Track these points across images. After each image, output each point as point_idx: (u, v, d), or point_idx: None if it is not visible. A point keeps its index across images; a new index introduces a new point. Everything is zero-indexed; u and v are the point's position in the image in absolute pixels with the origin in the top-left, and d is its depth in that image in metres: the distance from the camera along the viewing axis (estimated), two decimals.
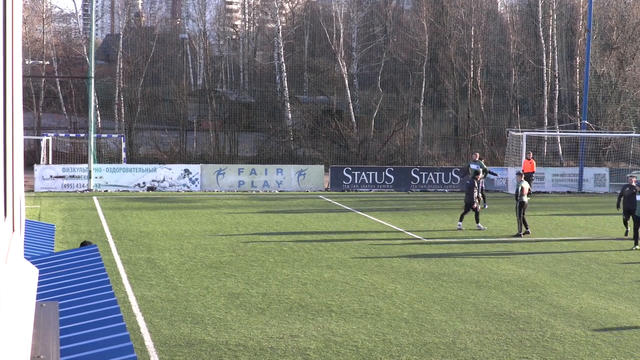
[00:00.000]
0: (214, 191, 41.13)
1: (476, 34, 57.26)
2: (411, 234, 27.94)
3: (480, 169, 32.76)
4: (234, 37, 69.61)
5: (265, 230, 28.04)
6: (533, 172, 39.45)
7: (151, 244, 24.81)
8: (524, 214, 28.01)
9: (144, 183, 40.65)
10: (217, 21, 68.59)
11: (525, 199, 27.94)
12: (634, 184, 26.75)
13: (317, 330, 15.44)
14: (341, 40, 56.66)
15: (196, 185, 41.11)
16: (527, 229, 28.15)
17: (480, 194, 31.67)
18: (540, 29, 57.85)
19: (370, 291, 18.81)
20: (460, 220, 29.49)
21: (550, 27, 57.83)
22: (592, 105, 54.85)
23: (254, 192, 41.23)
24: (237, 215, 31.95)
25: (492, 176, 39.63)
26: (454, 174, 43.94)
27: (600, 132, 49.97)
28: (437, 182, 43.79)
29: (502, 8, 71.75)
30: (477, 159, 35.20)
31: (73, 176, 40.04)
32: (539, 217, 33.26)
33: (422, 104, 57.35)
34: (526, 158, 40.31)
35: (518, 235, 27.86)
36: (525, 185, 28.37)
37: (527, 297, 18.65)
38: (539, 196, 40.95)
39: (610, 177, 45.34)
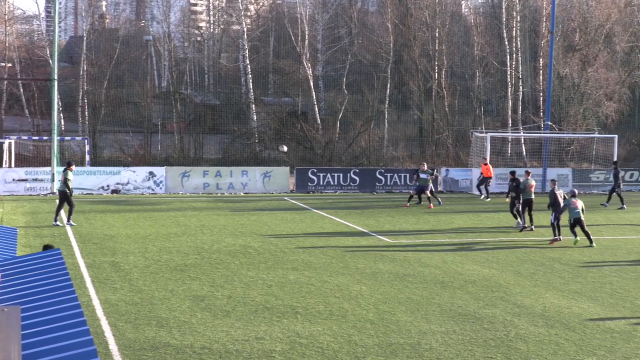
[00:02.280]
0: (178, 194, 40.98)
1: (440, 35, 57.55)
2: (376, 235, 28.02)
3: (429, 177, 37.17)
4: (198, 39, 69.41)
5: (230, 233, 27.98)
6: (490, 177, 40.37)
7: (115, 247, 24.67)
8: (530, 210, 29.84)
9: (108, 186, 40.42)
10: (182, 23, 68.40)
11: (532, 195, 29.93)
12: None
13: (282, 332, 15.44)
14: (306, 42, 56.72)
15: (161, 188, 40.95)
16: (524, 224, 29.97)
17: (430, 195, 36.79)
18: (504, 31, 58.28)
19: (335, 293, 18.85)
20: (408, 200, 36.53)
21: (514, 29, 58.29)
22: (555, 107, 55.32)
23: (219, 195, 41.13)
24: (202, 218, 31.85)
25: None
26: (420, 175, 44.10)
27: (563, 133, 50.42)
28: (402, 183, 43.98)
29: (467, 10, 72.20)
30: (425, 169, 37.67)
31: (36, 179, 39.72)
32: (503, 217, 33.49)
33: (387, 106, 57.53)
34: (483, 163, 40.82)
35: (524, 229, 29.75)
36: (533, 182, 30.43)
37: (491, 297, 18.78)
38: (503, 197, 41.18)
39: (573, 177, 45.77)
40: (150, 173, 41.10)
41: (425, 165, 38.96)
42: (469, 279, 20.77)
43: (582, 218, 26.38)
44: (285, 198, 40.24)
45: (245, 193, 41.83)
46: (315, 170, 43.66)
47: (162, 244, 25.37)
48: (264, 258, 23.13)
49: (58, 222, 28.95)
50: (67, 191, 29.01)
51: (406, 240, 27.13)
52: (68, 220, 29.13)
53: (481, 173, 41.13)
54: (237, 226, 29.69)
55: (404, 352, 14.42)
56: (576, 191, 27.58)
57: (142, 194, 40.41)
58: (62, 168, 30.93)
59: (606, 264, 23.37)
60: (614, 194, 38.34)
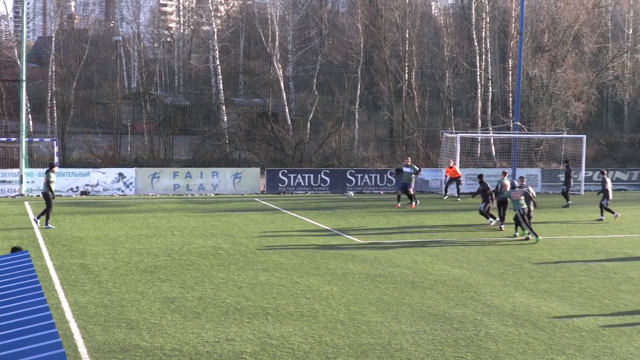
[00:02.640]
0: (148, 195, 40.81)
1: (411, 36, 57.69)
2: (347, 236, 28.06)
3: (413, 173, 37.16)
4: (168, 39, 69.16)
5: (200, 234, 27.91)
6: (459, 177, 40.85)
7: (85, 249, 24.53)
8: (505, 210, 30.48)
9: (77, 187, 40.17)
10: (152, 23, 68.08)
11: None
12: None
13: (253, 334, 15.43)
14: (277, 42, 56.66)
15: (130, 189, 40.76)
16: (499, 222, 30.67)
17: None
18: (474, 32, 58.55)
19: (306, 293, 18.86)
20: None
21: (484, 30, 58.56)
22: (525, 107, 55.64)
23: (189, 196, 41.01)
24: (172, 219, 31.74)
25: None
26: (389, 176, 44.28)
27: (532, 134, 50.72)
28: (373, 183, 44.09)
29: (437, 11, 72.48)
30: (409, 164, 37.83)
31: (4, 181, 39.41)
32: (473, 217, 33.65)
33: (357, 106, 57.59)
34: (448, 166, 41.13)
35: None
36: (507, 182, 30.80)
37: (461, 296, 18.87)
38: (469, 197, 41.38)
39: (542, 177, 46.09)
40: (120, 174, 40.90)
41: (410, 160, 39.16)
42: (439, 279, 20.86)
43: (525, 209, 27.46)
44: (256, 199, 40.21)
45: (216, 194, 41.74)
46: (286, 171, 43.64)
47: (132, 245, 25.26)
48: (234, 259, 23.10)
49: (50, 225, 28.94)
50: (50, 193, 28.96)
51: (377, 241, 27.19)
52: (37, 218, 29.09)
53: (447, 175, 41.43)
54: (207, 227, 29.61)
55: (374, 353, 14.46)
56: (516, 182, 28.90)
57: (112, 195, 40.22)
58: (45, 170, 30.90)
59: (575, 263, 23.55)
60: (567, 191, 39.12)
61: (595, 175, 48.16)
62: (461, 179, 41.35)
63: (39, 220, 29.03)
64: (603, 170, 36.62)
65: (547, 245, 26.87)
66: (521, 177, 29.67)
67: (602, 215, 34.09)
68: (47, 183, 29.05)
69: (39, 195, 38.91)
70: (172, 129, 54.36)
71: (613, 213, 33.79)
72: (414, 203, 37.10)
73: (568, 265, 23.23)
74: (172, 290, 18.88)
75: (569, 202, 38.68)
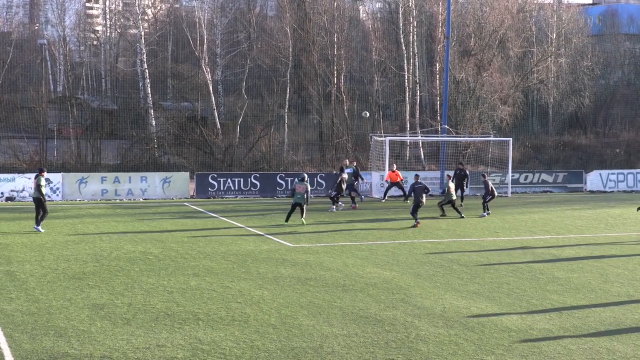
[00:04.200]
0: (76, 200, 40.24)
1: (339, 40, 57.88)
2: (278, 240, 28.02)
3: (353, 172, 38.99)
4: (95, 43, 68.34)
5: (129, 239, 27.61)
6: (401, 180, 41.28)
7: (10, 255, 24.07)
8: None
9: (2, 193, 39.44)
10: (78, 27, 67.20)
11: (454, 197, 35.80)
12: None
13: (184, 339, 15.31)
14: (205, 46, 56.35)
15: (57, 195, 40.15)
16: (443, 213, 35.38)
17: (350, 194, 38.30)
18: (401, 36, 58.99)
19: (237, 298, 18.78)
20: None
21: (411, 34, 59.04)
22: (452, 110, 56.27)
23: (117, 201, 40.56)
24: (100, 225, 31.34)
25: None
26: (319, 179, 44.38)
27: (460, 136, 51.31)
28: None
29: (364, 15, 72.83)
30: (348, 164, 39.71)
31: None
32: (402, 220, 33.93)
33: (286, 110, 57.59)
34: (391, 170, 41.43)
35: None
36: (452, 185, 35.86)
37: (392, 299, 18.98)
38: (402, 200, 41.75)
39: (470, 179, 46.65)
40: (47, 180, 40.21)
41: (348, 161, 40.45)
42: (370, 281, 20.95)
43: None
44: (186, 204, 39.94)
45: (145, 199, 41.36)
46: (215, 175, 43.46)
47: (59, 252, 24.87)
48: (164, 264, 22.90)
49: (40, 228, 28.93)
50: (41, 197, 28.87)
51: (307, 244, 27.21)
52: (37, 225, 29.16)
53: (388, 179, 41.71)
54: (136, 233, 29.31)
55: (306, 356, 14.46)
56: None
57: None
58: (34, 174, 30.58)
59: (503, 265, 23.87)
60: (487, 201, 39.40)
61: (522, 178, 48.97)
62: (402, 182, 41.73)
63: (39, 227, 29.14)
64: (484, 174, 39.02)
65: (476, 247, 27.21)
66: (416, 175, 34.55)
67: (485, 210, 36.53)
68: (38, 187, 28.97)
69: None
70: (99, 134, 53.67)
71: (485, 212, 36.28)
72: (357, 204, 38.50)
73: (496, 267, 23.53)
74: (101, 297, 18.63)
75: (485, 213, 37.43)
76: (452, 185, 35.87)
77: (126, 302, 18.18)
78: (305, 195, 31.94)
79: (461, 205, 40.21)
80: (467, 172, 42.45)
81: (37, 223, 29.10)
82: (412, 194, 33.42)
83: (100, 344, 14.91)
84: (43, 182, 29.20)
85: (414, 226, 31.97)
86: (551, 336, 16.08)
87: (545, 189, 49.55)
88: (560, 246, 27.88)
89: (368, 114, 42.41)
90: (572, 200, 45.34)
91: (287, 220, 32.28)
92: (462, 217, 35.24)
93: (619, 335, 16.30)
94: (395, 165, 42.27)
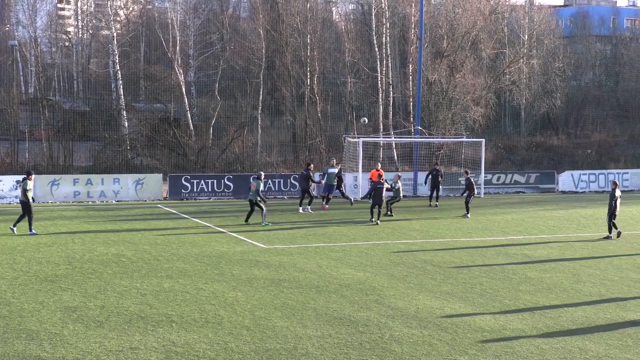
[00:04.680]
0: (48, 202, 39.99)
1: (312, 41, 57.90)
2: (251, 241, 27.98)
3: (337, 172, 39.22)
4: (66, 44, 67.94)
5: (102, 242, 27.47)
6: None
7: None
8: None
9: None
10: (49, 27, 66.76)
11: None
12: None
13: (157, 342, 15.25)
14: (178, 47, 56.18)
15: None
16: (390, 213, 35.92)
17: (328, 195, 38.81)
18: (374, 37, 59.08)
19: (211, 300, 18.73)
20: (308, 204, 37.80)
21: (384, 35, 59.15)
22: (425, 112, 56.42)
23: (90, 203, 40.35)
24: (72, 227, 31.16)
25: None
26: (292, 181, 44.37)
27: (433, 137, 51.46)
28: (277, 188, 44.13)
29: (337, 16, 72.97)
30: (334, 164, 39.74)
31: None
32: (375, 221, 34.00)
33: (260, 111, 57.55)
34: (375, 169, 41.38)
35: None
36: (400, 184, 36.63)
37: (365, 300, 19.01)
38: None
39: (446, 180, 46.76)
40: (18, 182, 39.93)
41: (335, 161, 40.64)
42: (344, 282, 20.97)
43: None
44: (159, 205, 39.79)
45: (118, 201, 41.17)
46: (188, 177, 43.34)
47: (31, 254, 24.69)
48: (137, 267, 22.80)
49: (15, 230, 28.86)
50: (27, 201, 28.77)
51: (281, 246, 27.19)
52: (13, 226, 29.19)
53: (370, 178, 41.77)
54: (109, 235, 29.17)
55: (280, 358, 14.45)
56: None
57: (10, 203, 39.28)
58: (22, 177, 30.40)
59: (476, 265, 23.98)
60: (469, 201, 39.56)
61: (494, 178, 49.20)
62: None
63: (15, 228, 29.05)
64: (467, 171, 39.16)
65: (449, 248, 27.31)
66: (397, 175, 36.60)
67: (468, 212, 36.57)
68: (24, 191, 28.79)
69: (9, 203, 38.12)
70: (71, 135, 53.37)
71: (468, 214, 36.43)
72: (326, 205, 38.77)
73: (469, 267, 23.63)
74: (73, 300, 18.52)
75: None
76: (401, 184, 36.88)
77: (99, 304, 18.09)
78: (255, 194, 32.01)
79: (436, 205, 40.58)
80: (443, 172, 42.75)
81: (29, 228, 28.92)
82: (373, 193, 34.11)
83: (72, 347, 14.82)
84: (30, 186, 29.00)
85: (372, 222, 33.21)
86: (524, 336, 16.17)
87: (517, 190, 49.82)
88: (532, 246, 28.03)
89: (367, 120, 42.71)
90: (544, 200, 45.61)
91: (246, 221, 32.38)
92: (392, 215, 35.98)
93: (590, 334, 16.42)
94: (379, 165, 42.31)
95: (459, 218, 36.09)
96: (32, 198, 29.19)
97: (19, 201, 30.65)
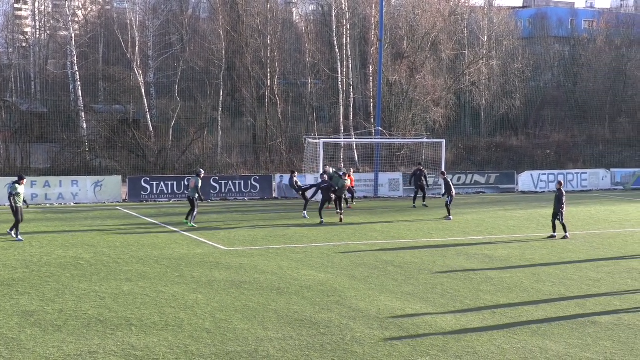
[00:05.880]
0: (4, 205, 39.50)
1: (272, 42, 57.83)
2: (212, 243, 27.85)
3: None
4: (24, 44, 67.24)
5: (60, 244, 27.17)
6: (352, 186, 41.41)
7: None
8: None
9: None
10: (6, 28, 66.05)
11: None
12: None
13: (116, 346, 15.10)
14: (137, 48, 55.82)
15: None
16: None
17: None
18: (335, 38, 59.13)
19: (171, 303, 18.60)
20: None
21: (344, 36, 59.20)
22: (386, 113, 56.60)
23: (48, 205, 39.93)
24: (30, 230, 30.79)
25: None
26: (253, 182, 44.25)
27: (394, 138, 51.62)
28: (237, 190, 43.97)
29: (298, 17, 72.93)
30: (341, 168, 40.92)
31: None
32: (337, 222, 33.98)
33: (220, 113, 57.35)
34: (348, 174, 41.37)
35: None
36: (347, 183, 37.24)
37: (327, 301, 18.97)
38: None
39: (404, 181, 46.90)
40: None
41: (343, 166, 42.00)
42: (305, 284, 20.93)
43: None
44: (118, 208, 39.49)
45: (76, 203, 40.80)
46: (148, 179, 43.05)
47: None
48: (96, 270, 22.58)
49: (20, 237, 28.26)
50: (13, 205, 28.32)
51: (242, 248, 27.09)
52: (15, 235, 28.54)
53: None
54: (67, 237, 28.87)
55: None
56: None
57: None
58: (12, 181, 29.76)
59: (437, 266, 24.04)
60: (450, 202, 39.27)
61: (455, 179, 49.40)
62: (353, 187, 41.81)
63: (13, 232, 28.56)
64: (443, 172, 39.16)
65: (410, 248, 27.36)
66: (322, 174, 36.05)
67: (450, 214, 36.11)
68: (9, 196, 28.33)
69: None
70: (29, 137, 52.81)
71: (450, 215, 36.10)
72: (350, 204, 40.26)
73: (430, 268, 23.69)
74: (31, 304, 18.29)
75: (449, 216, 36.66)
76: (348, 183, 37.36)
77: (57, 308, 17.88)
78: (194, 191, 31.97)
79: (425, 205, 40.39)
80: (426, 173, 42.51)
81: (14, 232, 28.49)
82: (320, 192, 34.87)
83: (30, 352, 14.63)
84: (21, 190, 28.52)
85: (321, 224, 33.42)
86: (485, 336, 16.23)
87: (478, 190, 50.11)
88: (492, 246, 28.18)
89: None
90: (504, 200, 45.92)
91: (187, 219, 32.31)
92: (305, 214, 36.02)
93: (551, 334, 16.52)
94: (352, 170, 42.70)
95: (418, 217, 36.17)
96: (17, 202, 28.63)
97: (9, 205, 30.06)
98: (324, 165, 40.55)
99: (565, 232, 30.46)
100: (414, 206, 40.85)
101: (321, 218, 33.79)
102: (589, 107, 74.46)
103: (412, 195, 42.18)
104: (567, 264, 24.86)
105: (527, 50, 72.82)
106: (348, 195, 40.14)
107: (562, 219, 30.16)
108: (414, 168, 43.53)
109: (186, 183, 41.83)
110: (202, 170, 33.48)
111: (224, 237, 29.38)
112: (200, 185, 32.28)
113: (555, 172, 53.33)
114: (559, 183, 31.01)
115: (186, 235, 29.93)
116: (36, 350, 14.73)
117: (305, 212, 36.01)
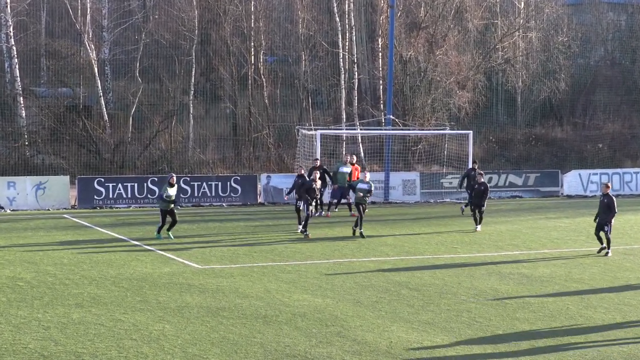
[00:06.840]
0: None
1: (257, 10, 57.86)
2: (182, 260, 27.92)
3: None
4: None
5: None
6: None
7: None
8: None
9: None
10: None
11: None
12: None
13: None
14: (88, 17, 55.84)
15: None
16: None
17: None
18: (335, 4, 59.09)
19: (132, 334, 18.66)
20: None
21: (347, 2, 59.17)
22: (399, 97, 56.68)
23: None
24: None
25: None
26: (233, 184, 44.30)
27: (409, 129, 51.68)
28: (213, 193, 44.01)
29: None
30: (348, 162, 41.47)
31: None
32: (338, 236, 34.05)
33: (192, 97, 57.35)
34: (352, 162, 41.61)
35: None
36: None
37: (325, 332, 19.04)
38: (338, 209, 41.85)
39: (422, 183, 46.94)
40: None
41: (349, 158, 42.05)
42: (298, 311, 20.98)
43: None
44: (66, 215, 39.57)
45: (14, 210, 40.90)
46: (102, 180, 43.13)
47: None
48: (39, 293, 22.64)
49: None
50: None
51: (219, 266, 27.16)
52: None
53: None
54: (2, 253, 28.95)
55: None
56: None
57: None
58: None
59: (462, 288, 24.10)
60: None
61: (485, 180, 49.39)
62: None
63: None
64: (481, 173, 38.70)
65: (429, 267, 27.42)
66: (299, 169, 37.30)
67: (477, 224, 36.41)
68: None
69: None
70: None
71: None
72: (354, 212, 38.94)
73: (454, 291, 23.75)
74: None
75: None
76: (365, 186, 36.90)
77: None
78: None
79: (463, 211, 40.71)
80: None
81: None
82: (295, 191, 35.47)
83: None
84: None
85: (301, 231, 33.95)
86: None
87: (513, 194, 50.22)
88: (531, 264, 28.25)
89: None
90: (546, 207, 46.03)
91: (168, 230, 32.51)
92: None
93: None
94: (355, 158, 42.75)
95: (439, 227, 36.22)
96: None
97: None
98: (315, 159, 40.95)
99: (608, 247, 30.38)
100: (462, 213, 40.61)
101: (305, 231, 33.81)
102: None
103: (463, 201, 42.05)
104: (624, 286, 24.93)
105: (574, 20, 72.82)
106: (334, 200, 40.46)
107: (610, 232, 30.04)
108: (467, 167, 43.21)
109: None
110: (173, 174, 33.56)
111: (197, 253, 29.44)
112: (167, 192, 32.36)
113: (609, 171, 53.47)
114: (606, 186, 30.75)
115: (150, 249, 30.00)
116: None
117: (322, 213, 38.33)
